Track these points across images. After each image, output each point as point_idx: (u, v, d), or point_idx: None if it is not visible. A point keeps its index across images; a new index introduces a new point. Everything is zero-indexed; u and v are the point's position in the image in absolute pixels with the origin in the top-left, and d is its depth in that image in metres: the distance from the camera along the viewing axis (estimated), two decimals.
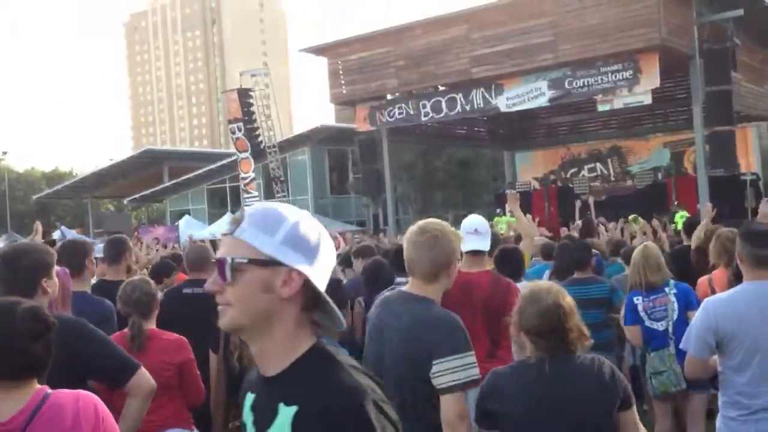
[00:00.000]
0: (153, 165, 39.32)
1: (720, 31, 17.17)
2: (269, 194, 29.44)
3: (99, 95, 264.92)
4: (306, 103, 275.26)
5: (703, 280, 5.19)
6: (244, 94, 26.27)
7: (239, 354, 3.49)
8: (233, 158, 29.44)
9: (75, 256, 3.96)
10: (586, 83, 17.94)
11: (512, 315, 2.67)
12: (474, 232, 4.17)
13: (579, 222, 10.74)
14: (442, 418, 2.57)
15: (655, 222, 10.73)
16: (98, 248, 5.42)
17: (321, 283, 1.47)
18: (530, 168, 27.86)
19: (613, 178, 25.74)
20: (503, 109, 19.88)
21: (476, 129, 27.96)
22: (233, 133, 26.46)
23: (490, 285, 4.13)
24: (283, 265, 1.42)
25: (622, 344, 6.11)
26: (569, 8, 17.68)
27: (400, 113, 21.55)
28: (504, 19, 18.79)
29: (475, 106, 20.01)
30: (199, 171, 35.96)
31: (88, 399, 2.13)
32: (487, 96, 19.69)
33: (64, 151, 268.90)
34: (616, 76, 17.39)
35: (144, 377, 2.89)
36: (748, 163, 22.14)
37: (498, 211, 21.70)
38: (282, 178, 27.85)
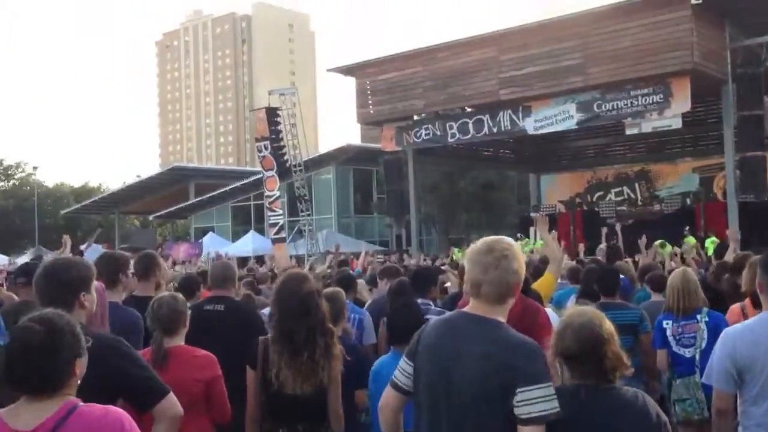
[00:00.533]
0: (180, 182, 39.80)
1: (753, 55, 17.07)
2: (293, 213, 29.55)
3: (129, 112, 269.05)
4: (332, 122, 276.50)
5: (735, 308, 5.09)
6: (271, 113, 26.47)
7: (277, 371, 3.46)
8: (258, 176, 29.61)
9: (109, 268, 4.06)
10: (615, 106, 17.86)
11: (550, 338, 2.60)
12: None
13: (603, 246, 10.54)
14: None
15: (696, 244, 10.61)
16: None
17: None
18: (556, 191, 27.72)
19: (640, 203, 25.50)
20: (530, 131, 19.84)
21: (502, 151, 27.93)
22: (260, 151, 26.63)
23: (520, 303, 4.08)
24: None
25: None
26: (599, 31, 17.66)
27: (426, 134, 21.57)
28: (533, 41, 18.80)
29: (503, 128, 19.98)
30: (224, 188, 36.24)
31: (117, 414, 2.13)
32: (515, 118, 19.66)
33: (93, 166, 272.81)
34: (646, 100, 17.31)
35: (171, 403, 2.82)
36: None
37: (519, 235, 21.47)
38: (306, 197, 27.92)
